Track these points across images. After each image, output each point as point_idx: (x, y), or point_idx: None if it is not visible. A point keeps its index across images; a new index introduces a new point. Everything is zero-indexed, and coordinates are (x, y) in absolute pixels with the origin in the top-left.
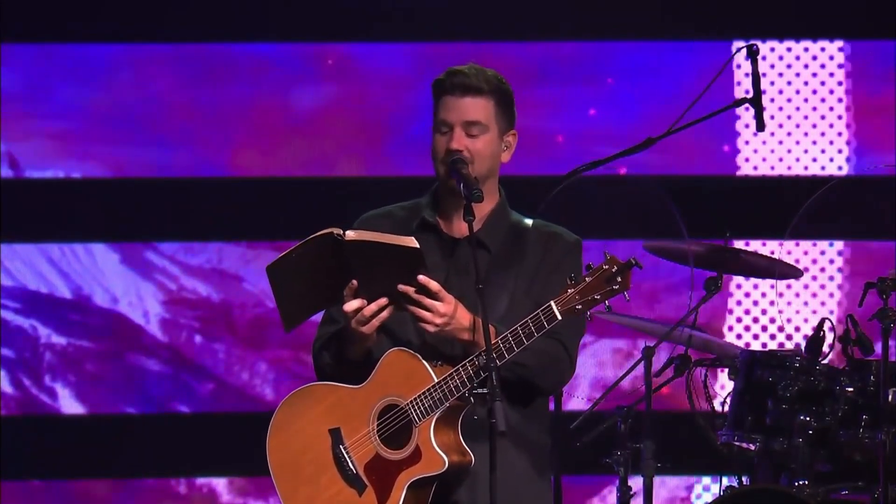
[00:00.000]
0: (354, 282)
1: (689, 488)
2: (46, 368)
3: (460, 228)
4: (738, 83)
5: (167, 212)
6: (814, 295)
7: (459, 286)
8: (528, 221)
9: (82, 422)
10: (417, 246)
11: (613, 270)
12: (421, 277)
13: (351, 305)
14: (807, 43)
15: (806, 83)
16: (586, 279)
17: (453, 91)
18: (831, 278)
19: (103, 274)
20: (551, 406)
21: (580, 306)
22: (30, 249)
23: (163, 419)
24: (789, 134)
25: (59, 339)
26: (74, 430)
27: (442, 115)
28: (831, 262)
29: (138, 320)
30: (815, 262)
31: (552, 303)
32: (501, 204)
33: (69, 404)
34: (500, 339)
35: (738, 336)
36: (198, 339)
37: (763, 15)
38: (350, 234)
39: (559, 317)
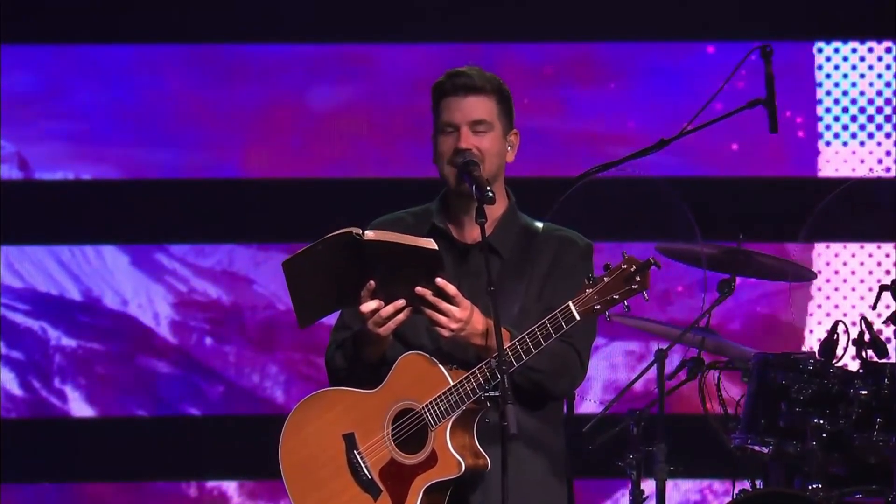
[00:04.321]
0: (372, 282)
1: (702, 492)
2: (56, 371)
3: (471, 234)
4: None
5: (177, 213)
6: (827, 297)
7: (471, 292)
8: (539, 225)
9: (92, 424)
10: (436, 248)
11: (632, 270)
12: (439, 280)
13: (368, 306)
14: (837, 44)
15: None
16: (604, 279)
17: (456, 92)
18: (845, 281)
19: (113, 276)
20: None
21: (599, 307)
22: (39, 251)
23: (173, 422)
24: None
25: (69, 342)
26: (84, 432)
27: (446, 116)
28: (845, 264)
29: (148, 322)
30: (828, 264)
31: (570, 303)
32: (511, 208)
33: (79, 407)
34: (518, 341)
35: None
36: (208, 341)
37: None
38: (369, 234)
39: (577, 317)
